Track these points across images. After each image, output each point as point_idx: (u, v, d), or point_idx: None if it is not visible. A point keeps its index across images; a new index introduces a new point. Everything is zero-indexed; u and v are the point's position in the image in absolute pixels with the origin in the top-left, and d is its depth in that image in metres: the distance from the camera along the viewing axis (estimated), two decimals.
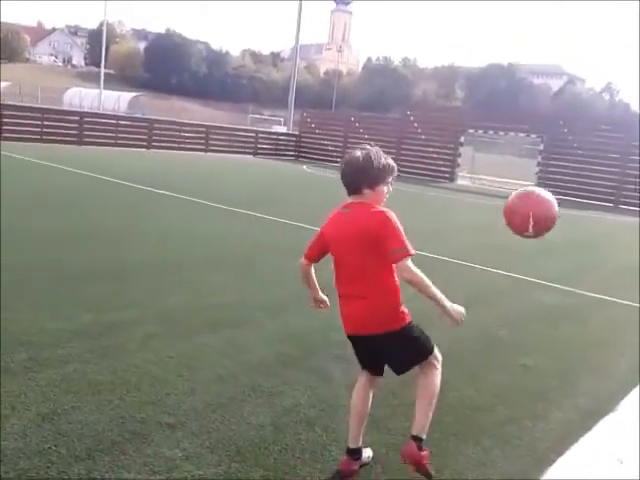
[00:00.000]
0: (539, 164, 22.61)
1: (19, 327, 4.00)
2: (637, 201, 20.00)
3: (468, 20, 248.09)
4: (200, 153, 24.33)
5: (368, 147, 2.60)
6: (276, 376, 3.68)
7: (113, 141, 22.24)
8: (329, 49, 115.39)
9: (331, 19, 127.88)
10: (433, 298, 2.48)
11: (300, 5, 31.34)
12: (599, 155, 21.21)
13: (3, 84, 58.88)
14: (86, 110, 38.09)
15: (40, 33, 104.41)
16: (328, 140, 28.14)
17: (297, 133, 29.89)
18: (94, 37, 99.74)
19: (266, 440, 2.93)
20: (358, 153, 2.57)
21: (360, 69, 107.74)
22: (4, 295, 4.57)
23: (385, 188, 2.59)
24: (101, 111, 39.53)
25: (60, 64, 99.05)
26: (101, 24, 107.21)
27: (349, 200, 2.62)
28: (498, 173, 25.37)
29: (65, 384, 3.28)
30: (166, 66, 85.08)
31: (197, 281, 5.71)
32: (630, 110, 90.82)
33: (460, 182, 24.44)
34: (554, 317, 5.82)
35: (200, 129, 26.11)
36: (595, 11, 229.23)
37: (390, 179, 2.60)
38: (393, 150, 26.06)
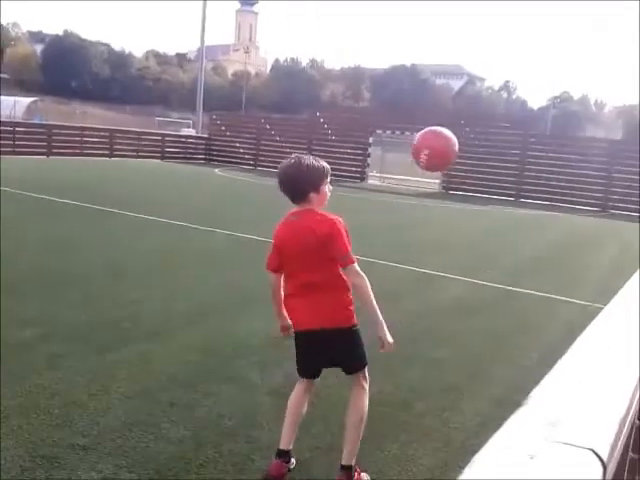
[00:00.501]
0: None
1: None
2: (536, 195, 21.22)
3: (372, 21, 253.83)
4: (104, 158, 23.46)
5: (298, 155, 2.72)
6: (194, 388, 3.61)
7: (10, 149, 21.01)
8: (236, 50, 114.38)
9: (237, 19, 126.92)
10: (372, 308, 2.64)
11: (204, 4, 30.91)
12: (499, 151, 22.29)
13: None
14: None
15: None
16: (239, 142, 27.91)
17: (207, 136, 29.45)
18: None
19: (187, 455, 2.87)
20: (295, 161, 2.67)
21: (268, 70, 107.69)
22: None
23: (326, 188, 2.71)
24: None
25: None
26: None
27: (294, 208, 2.71)
28: (406, 172, 26.12)
29: None
30: (65, 69, 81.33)
31: (102, 293, 5.50)
32: (527, 107, 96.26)
33: (371, 181, 24.95)
34: (462, 310, 6.06)
35: (103, 133, 25.17)
36: (495, 10, 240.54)
37: (328, 179, 2.73)
38: (304, 151, 26.25)
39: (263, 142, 27.36)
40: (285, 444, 2.75)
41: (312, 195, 2.66)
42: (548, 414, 0.85)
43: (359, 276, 2.59)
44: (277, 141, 27.01)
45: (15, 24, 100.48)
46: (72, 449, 2.83)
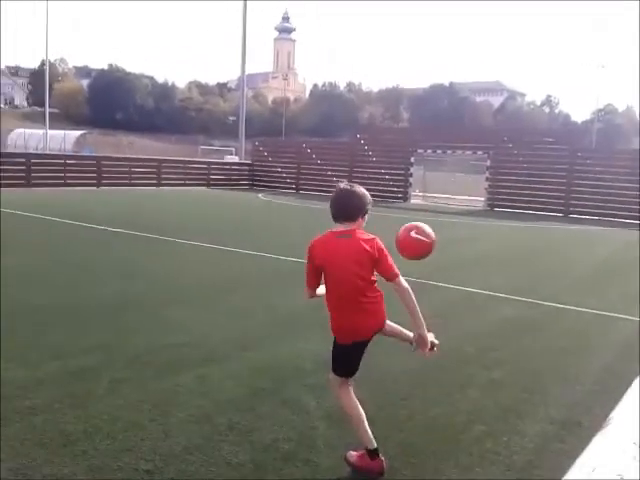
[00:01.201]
0: (487, 179, 23.22)
1: None
2: (586, 210, 20.74)
3: (408, 42, 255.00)
4: (152, 188, 24.07)
5: (351, 183, 3.14)
6: (251, 412, 3.65)
7: (62, 181, 21.81)
8: (275, 77, 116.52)
9: (275, 48, 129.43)
10: (419, 313, 2.97)
11: (244, 35, 31.67)
12: (545, 167, 21.92)
13: None
14: (32, 151, 37.27)
15: None
16: (281, 167, 28.30)
17: (250, 162, 29.95)
18: (35, 77, 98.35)
19: (247, 479, 2.90)
20: (351, 187, 3.08)
21: (307, 96, 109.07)
22: None
23: (367, 217, 3.12)
24: (47, 151, 38.79)
25: (2, 106, 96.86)
26: (42, 63, 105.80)
27: (338, 226, 3.03)
28: (449, 190, 25.95)
29: (35, 437, 3.18)
30: (111, 102, 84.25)
31: (160, 319, 5.62)
32: (570, 121, 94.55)
33: (413, 201, 24.86)
34: (516, 329, 5.94)
35: (151, 163, 25.87)
36: (532, 24, 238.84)
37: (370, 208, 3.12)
38: (346, 174, 26.41)
39: (304, 166, 27.67)
40: (373, 442, 3.01)
41: (359, 220, 3.03)
42: (632, 434, 0.85)
43: (406, 285, 2.96)
44: (318, 164, 27.25)
45: (62, 60, 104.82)
46: (137, 473, 2.89)
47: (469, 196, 25.20)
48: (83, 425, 3.34)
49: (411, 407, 3.87)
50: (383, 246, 2.98)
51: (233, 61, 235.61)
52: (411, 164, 25.01)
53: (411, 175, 25.18)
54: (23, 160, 22.13)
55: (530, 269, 9.70)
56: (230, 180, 28.30)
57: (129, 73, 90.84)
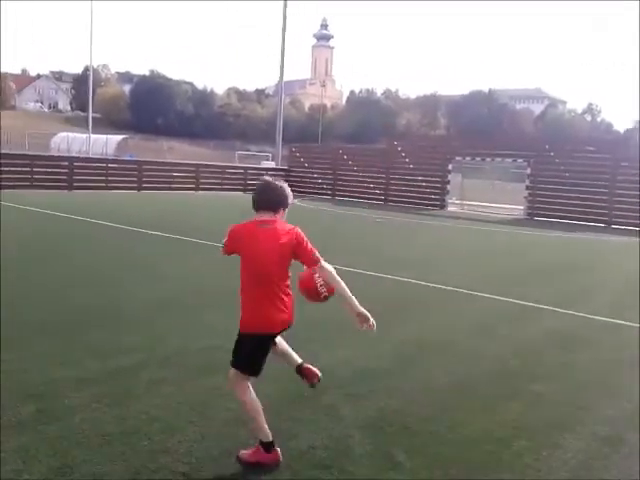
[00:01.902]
0: (528, 187, 22.83)
1: (27, 377, 3.95)
2: (629, 221, 20.18)
3: (447, 48, 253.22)
4: (191, 192, 24.38)
5: (277, 179, 3.22)
6: (288, 417, 3.62)
7: (104, 184, 22.27)
8: (312, 84, 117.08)
9: (313, 55, 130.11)
10: (346, 290, 3.03)
11: (283, 42, 31.87)
12: (587, 176, 21.44)
13: None
14: (74, 155, 38.15)
15: (25, 80, 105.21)
16: (317, 173, 28.35)
17: (286, 167, 30.08)
18: (79, 82, 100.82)
19: None
20: (278, 182, 3.17)
21: (344, 102, 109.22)
22: (10, 346, 4.50)
23: (286, 211, 3.20)
24: (90, 155, 39.68)
25: (46, 110, 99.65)
26: (86, 69, 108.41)
27: (260, 215, 3.11)
28: (487, 198, 25.59)
29: (75, 436, 3.21)
30: (152, 107, 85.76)
31: (196, 321, 5.65)
32: (612, 129, 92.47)
33: (450, 209, 24.59)
34: (560, 343, 5.79)
35: (190, 168, 26.22)
36: (573, 31, 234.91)
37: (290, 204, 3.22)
38: (382, 180, 26.30)
39: (340, 172, 27.67)
40: (269, 435, 3.04)
41: (281, 212, 3.14)
42: None
43: (330, 267, 3.06)
44: (354, 170, 27.21)
45: (105, 66, 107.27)
46: (174, 475, 2.89)
47: (508, 204, 24.81)
48: (121, 425, 3.36)
49: (453, 419, 3.78)
50: (303, 235, 3.09)
51: (271, 68, 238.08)
52: (449, 171, 24.75)
53: (448, 182, 24.92)
54: (66, 163, 22.65)
55: (574, 281, 9.46)
56: None
57: (170, 79, 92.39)
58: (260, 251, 3.02)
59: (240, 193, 26.16)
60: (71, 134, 59.19)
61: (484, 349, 5.28)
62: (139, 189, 23.24)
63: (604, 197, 20.97)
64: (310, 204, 22.92)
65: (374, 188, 26.39)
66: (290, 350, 3.33)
